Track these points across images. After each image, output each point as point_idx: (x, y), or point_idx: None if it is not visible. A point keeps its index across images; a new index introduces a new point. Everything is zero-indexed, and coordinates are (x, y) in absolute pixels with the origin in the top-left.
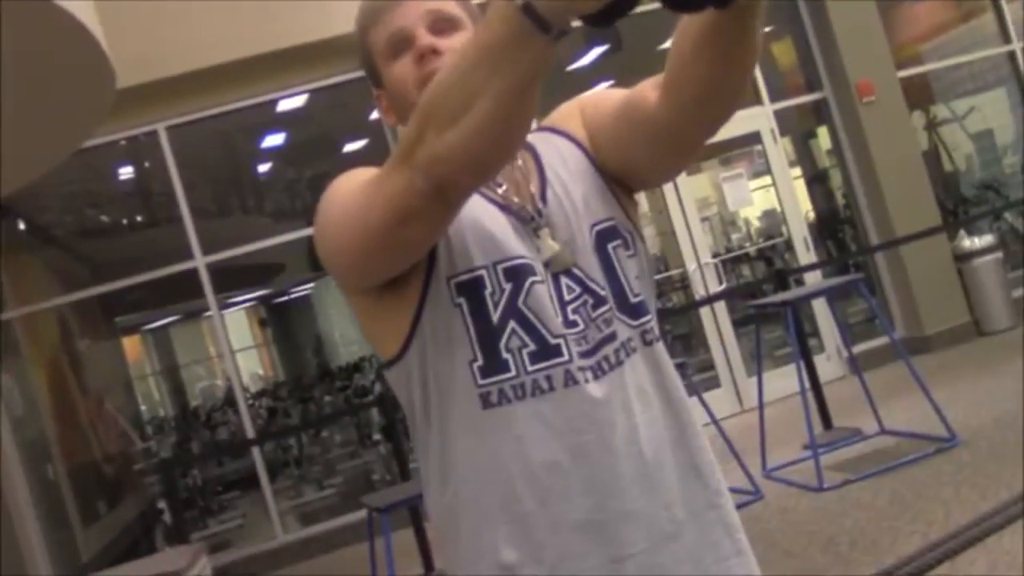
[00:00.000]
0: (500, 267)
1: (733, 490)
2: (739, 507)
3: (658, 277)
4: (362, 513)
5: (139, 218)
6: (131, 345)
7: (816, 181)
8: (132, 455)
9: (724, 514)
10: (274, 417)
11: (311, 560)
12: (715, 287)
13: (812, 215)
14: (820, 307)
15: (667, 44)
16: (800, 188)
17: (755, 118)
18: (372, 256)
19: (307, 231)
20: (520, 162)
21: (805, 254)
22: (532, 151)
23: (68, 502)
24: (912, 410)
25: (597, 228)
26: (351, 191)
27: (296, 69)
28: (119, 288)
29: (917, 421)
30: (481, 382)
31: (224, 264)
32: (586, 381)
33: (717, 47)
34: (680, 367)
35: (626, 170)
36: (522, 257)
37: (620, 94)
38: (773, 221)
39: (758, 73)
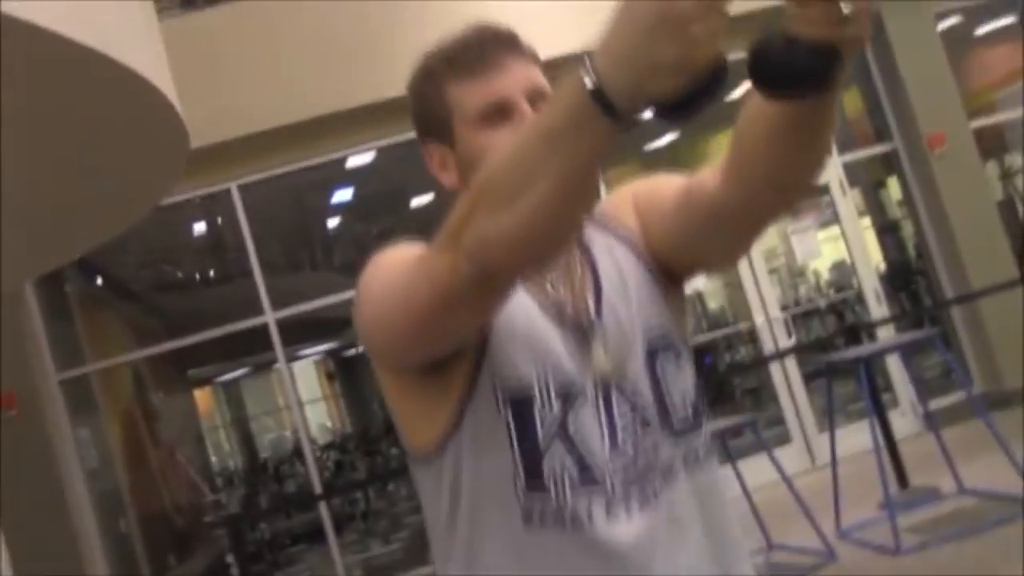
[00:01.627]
0: (551, 384)
1: (807, 551)
2: (812, 568)
3: (726, 331)
4: (428, 568)
5: (212, 273)
6: (202, 397)
7: (887, 232)
8: (201, 507)
9: None
10: (341, 470)
11: None
12: (784, 340)
13: (883, 267)
14: (894, 361)
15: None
16: (871, 239)
17: (824, 169)
18: (413, 338)
19: None
20: (578, 268)
21: (876, 307)
22: (588, 256)
23: (139, 554)
24: (993, 469)
25: (649, 344)
26: (395, 268)
27: (365, 126)
28: (192, 342)
29: (999, 480)
30: (523, 497)
31: (293, 319)
32: (628, 514)
33: (796, 133)
34: (750, 424)
35: (681, 257)
36: (574, 376)
37: (676, 181)
38: (843, 273)
39: None
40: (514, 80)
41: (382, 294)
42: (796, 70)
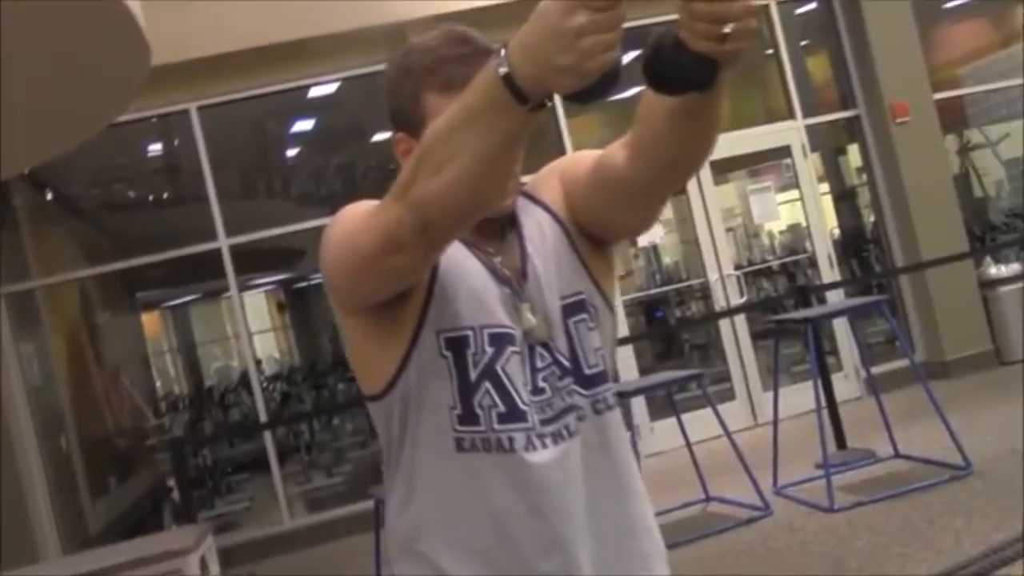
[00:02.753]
0: (486, 331)
1: (743, 505)
2: (747, 523)
3: (679, 286)
4: (369, 503)
5: (165, 196)
6: (150, 321)
7: (844, 198)
8: (145, 431)
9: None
10: (287, 402)
11: (316, 547)
12: (736, 299)
13: (837, 232)
14: (840, 326)
15: None
16: (827, 204)
17: (786, 132)
18: (363, 277)
19: (330, 218)
20: (511, 237)
21: (828, 271)
22: (518, 227)
23: (79, 474)
24: (928, 435)
25: (565, 303)
26: (354, 218)
27: (330, 56)
28: (142, 264)
29: (932, 447)
30: (458, 427)
31: (247, 247)
32: (543, 447)
33: (689, 120)
34: (696, 378)
35: (599, 224)
36: (505, 326)
37: (593, 155)
38: (798, 236)
39: (791, 87)
40: None
41: (341, 238)
42: (680, 74)
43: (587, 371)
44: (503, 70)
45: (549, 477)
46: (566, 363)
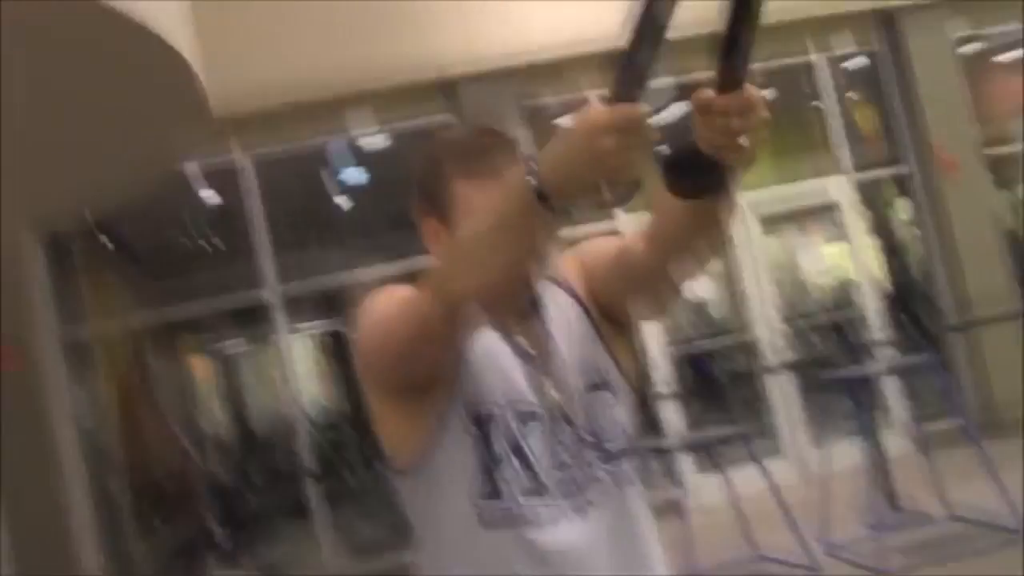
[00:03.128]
0: (511, 408)
1: (792, 564)
2: None
3: (726, 339)
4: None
5: (219, 244)
6: (199, 366)
7: (893, 253)
8: (191, 474)
9: None
10: (335, 448)
11: None
12: (784, 353)
13: (887, 287)
14: (891, 381)
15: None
16: (876, 259)
17: (835, 187)
18: (397, 360)
19: (380, 267)
20: (535, 318)
21: (878, 326)
22: (542, 309)
23: (126, 515)
24: (981, 495)
25: (589, 383)
26: (389, 304)
27: (383, 109)
28: (194, 311)
29: (986, 507)
30: (480, 501)
31: (297, 294)
32: (567, 520)
33: (704, 217)
34: (742, 437)
35: (620, 309)
36: (530, 402)
37: (612, 244)
38: (846, 290)
39: (839, 141)
40: None
41: (376, 323)
42: (698, 181)
43: (607, 446)
44: (534, 182)
45: (572, 550)
46: (588, 438)
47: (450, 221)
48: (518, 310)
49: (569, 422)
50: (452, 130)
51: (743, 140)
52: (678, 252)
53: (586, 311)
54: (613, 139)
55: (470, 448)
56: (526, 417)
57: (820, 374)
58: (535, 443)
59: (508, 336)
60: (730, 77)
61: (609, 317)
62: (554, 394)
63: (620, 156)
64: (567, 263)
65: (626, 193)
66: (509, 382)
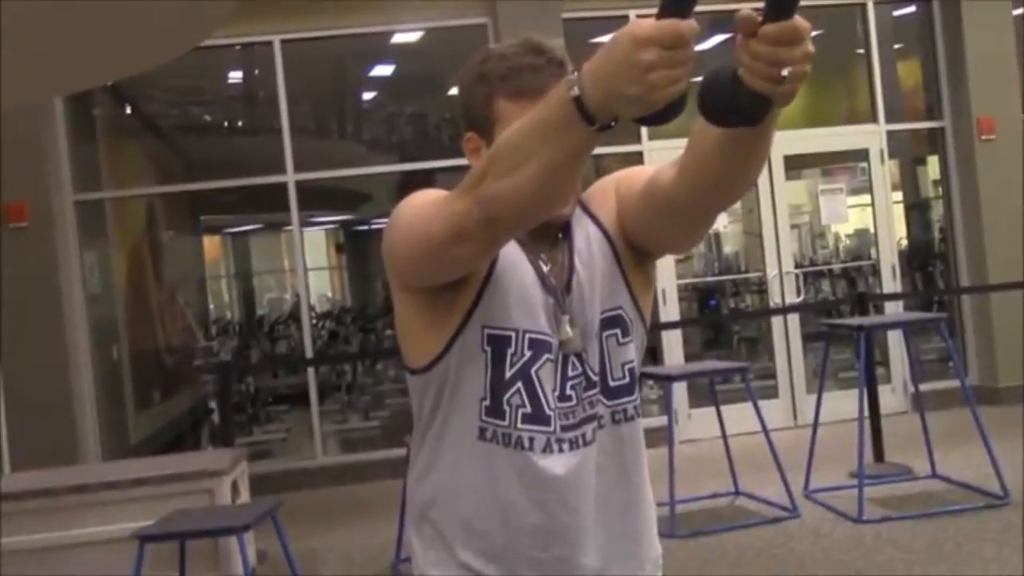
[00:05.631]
0: (527, 335)
1: (771, 504)
2: (773, 521)
3: (736, 277)
4: (402, 450)
5: (240, 124)
6: (210, 245)
7: (916, 209)
8: (193, 351)
9: None
10: (334, 340)
11: (345, 486)
12: (793, 297)
13: (905, 243)
14: (895, 338)
15: None
16: (898, 213)
17: (866, 135)
18: (425, 260)
19: (398, 165)
20: (562, 248)
21: (890, 281)
22: (570, 239)
23: (126, 384)
24: (969, 459)
25: (603, 316)
26: (424, 204)
27: (416, 4)
28: (209, 188)
29: (972, 472)
30: (484, 417)
31: (313, 183)
32: (560, 451)
33: (737, 148)
34: (740, 371)
35: (646, 239)
36: (546, 334)
37: (647, 172)
38: (863, 241)
39: (878, 90)
40: None
41: (409, 221)
42: (735, 108)
43: (612, 383)
44: (575, 92)
45: (559, 480)
46: (594, 376)
47: (491, 138)
48: (548, 231)
49: (579, 358)
50: (500, 44)
51: (787, 71)
52: (708, 183)
53: (611, 244)
54: (655, 53)
55: (482, 365)
56: (539, 347)
57: (825, 321)
58: (544, 374)
59: (535, 261)
60: (783, 3)
61: (634, 248)
62: (569, 330)
63: (663, 71)
64: (599, 191)
65: (668, 111)
66: (529, 309)
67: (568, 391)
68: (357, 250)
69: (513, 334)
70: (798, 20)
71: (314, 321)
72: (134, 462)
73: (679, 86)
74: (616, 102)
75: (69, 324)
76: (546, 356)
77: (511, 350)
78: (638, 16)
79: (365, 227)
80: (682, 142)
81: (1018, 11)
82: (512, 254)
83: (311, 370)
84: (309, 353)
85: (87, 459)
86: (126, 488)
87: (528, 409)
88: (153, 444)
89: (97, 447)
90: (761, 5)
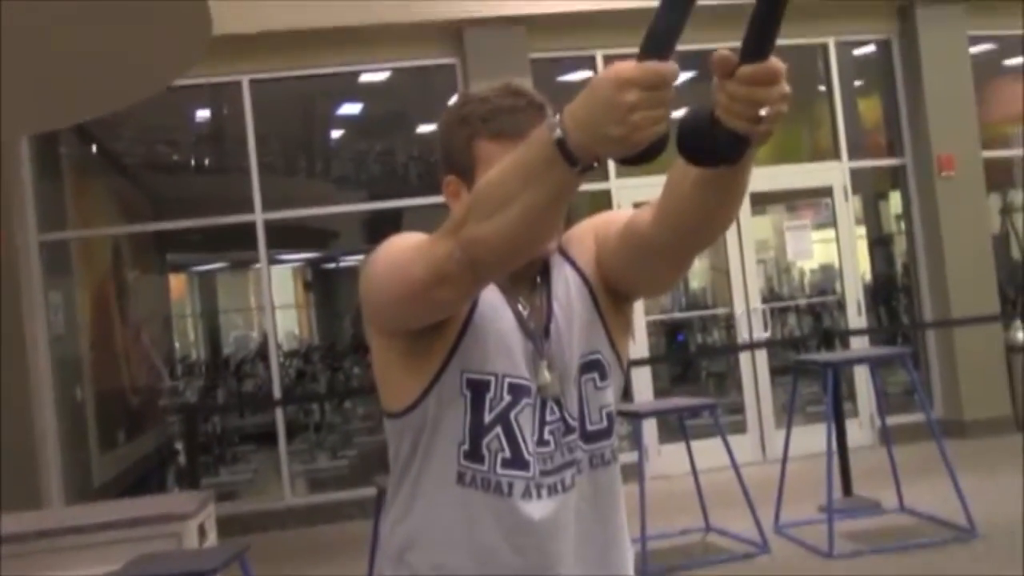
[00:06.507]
0: (507, 380)
1: (742, 540)
2: (744, 558)
3: (704, 313)
4: (371, 490)
5: (207, 163)
6: (176, 283)
7: (880, 244)
8: (159, 391)
9: None
10: (302, 379)
11: (314, 527)
12: (760, 332)
13: (869, 277)
14: (861, 372)
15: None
16: (862, 248)
17: (830, 172)
18: (407, 303)
19: (366, 204)
20: (540, 292)
21: (856, 315)
22: (548, 283)
23: (90, 425)
24: (936, 493)
25: (581, 361)
26: (404, 248)
27: (384, 45)
28: (176, 228)
29: (939, 505)
30: (463, 462)
31: (280, 222)
32: (539, 496)
33: (715, 189)
34: (709, 408)
35: (623, 282)
36: (525, 379)
37: (624, 216)
38: (829, 276)
39: (840, 127)
40: None
41: (390, 264)
42: (713, 148)
43: (590, 427)
44: (557, 134)
45: (539, 525)
46: (572, 420)
47: (472, 181)
48: (527, 274)
49: (558, 403)
50: (480, 88)
51: (764, 111)
52: (687, 224)
53: (590, 289)
54: (637, 95)
55: (461, 409)
56: (519, 392)
57: (793, 356)
58: (523, 419)
59: (514, 304)
60: (758, 45)
61: (613, 289)
62: (547, 374)
63: (644, 112)
64: (577, 235)
65: (650, 150)
66: (508, 353)
67: (546, 436)
68: (325, 288)
69: (492, 379)
70: (774, 61)
71: (281, 359)
72: (99, 506)
73: (661, 126)
74: (599, 143)
75: (33, 364)
76: (525, 400)
77: (490, 395)
78: (604, 56)
79: (333, 264)
80: (650, 179)
81: (975, 49)
82: (491, 298)
83: (279, 410)
84: (277, 392)
85: (50, 502)
86: (91, 533)
87: (507, 454)
88: (118, 486)
89: (60, 490)
90: (736, 45)
